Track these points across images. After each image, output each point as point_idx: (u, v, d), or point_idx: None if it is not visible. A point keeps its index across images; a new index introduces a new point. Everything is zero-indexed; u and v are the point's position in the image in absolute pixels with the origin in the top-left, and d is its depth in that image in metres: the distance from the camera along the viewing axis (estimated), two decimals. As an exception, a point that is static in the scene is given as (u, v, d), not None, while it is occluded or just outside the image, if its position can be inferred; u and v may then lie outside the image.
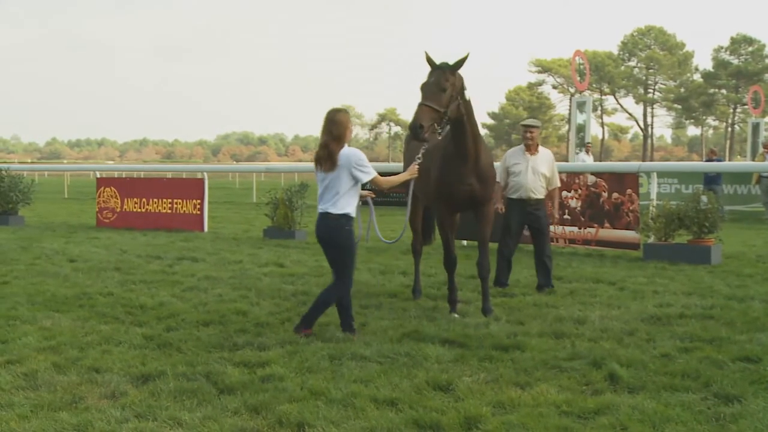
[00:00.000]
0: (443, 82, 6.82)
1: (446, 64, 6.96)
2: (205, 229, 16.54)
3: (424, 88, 6.89)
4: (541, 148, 9.34)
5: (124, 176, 20.45)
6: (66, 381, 5.41)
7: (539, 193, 9.24)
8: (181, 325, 7.19)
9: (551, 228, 10.31)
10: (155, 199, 17.26)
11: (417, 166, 7.13)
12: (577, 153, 22.76)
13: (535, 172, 9.16)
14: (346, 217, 6.58)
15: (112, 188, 17.92)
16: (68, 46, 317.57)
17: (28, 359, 5.95)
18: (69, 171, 39.96)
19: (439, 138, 7.13)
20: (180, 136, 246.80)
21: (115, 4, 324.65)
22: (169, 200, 17.09)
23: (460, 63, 6.99)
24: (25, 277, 9.90)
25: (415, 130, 6.71)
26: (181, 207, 16.90)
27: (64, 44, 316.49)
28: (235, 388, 5.25)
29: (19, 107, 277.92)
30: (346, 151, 6.54)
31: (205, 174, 17.84)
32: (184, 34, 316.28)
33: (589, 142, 21.13)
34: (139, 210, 17.42)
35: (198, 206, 16.71)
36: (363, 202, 7.55)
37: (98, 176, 19.46)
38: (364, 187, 6.99)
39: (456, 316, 7.62)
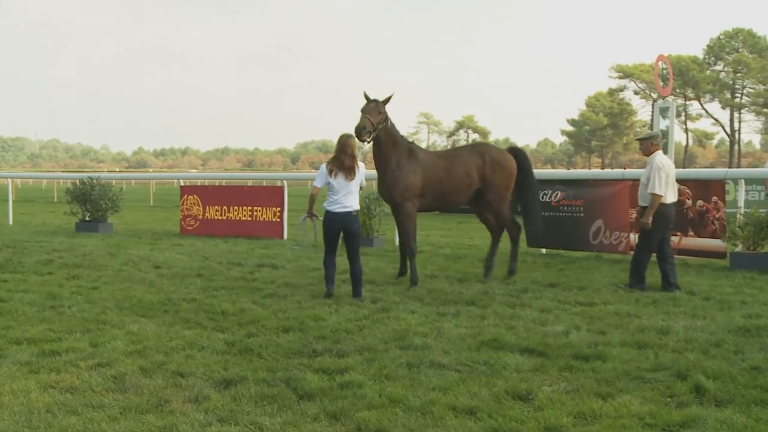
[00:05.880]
0: (380, 107, 9.94)
1: (377, 99, 9.99)
2: (285, 236, 16.78)
3: (366, 108, 9.86)
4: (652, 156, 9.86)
5: (206, 184, 20.92)
6: (152, 384, 5.57)
7: (643, 201, 9.81)
8: (262, 331, 7.32)
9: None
10: (236, 207, 17.59)
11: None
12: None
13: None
14: (357, 212, 9.20)
15: (195, 196, 18.35)
16: (150, 57, 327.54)
17: (116, 362, 6.16)
18: (154, 179, 41.04)
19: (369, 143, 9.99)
20: (260, 145, 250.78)
21: (194, 13, 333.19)
22: (250, 208, 17.40)
23: (388, 99, 10.06)
24: (114, 283, 10.24)
25: (360, 131, 9.60)
26: (261, 214, 17.19)
27: (147, 55, 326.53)
28: (314, 394, 5.31)
29: (108, 118, 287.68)
30: (359, 166, 9.19)
31: (285, 182, 18.11)
32: (263, 41, 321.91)
33: None
34: (220, 217, 17.79)
35: (278, 214, 16.97)
36: (309, 216, 9.68)
37: (182, 184, 19.97)
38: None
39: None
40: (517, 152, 11.07)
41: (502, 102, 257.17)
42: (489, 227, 11.24)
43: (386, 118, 10.06)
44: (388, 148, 10.14)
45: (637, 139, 10.39)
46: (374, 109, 9.87)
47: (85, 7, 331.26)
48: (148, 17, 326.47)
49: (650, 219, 9.53)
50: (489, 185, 10.58)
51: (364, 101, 10.02)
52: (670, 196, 9.69)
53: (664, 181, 9.53)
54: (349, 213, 9.00)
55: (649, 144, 9.87)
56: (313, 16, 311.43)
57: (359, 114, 9.88)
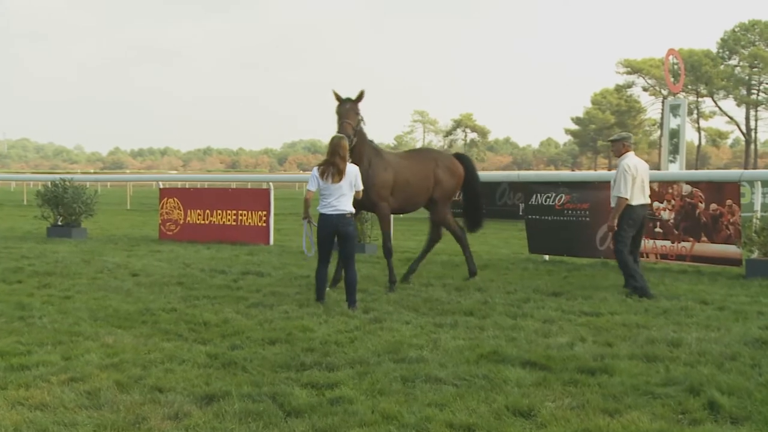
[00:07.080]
0: (356, 108, 10.22)
1: (350, 98, 10.19)
2: (271, 242, 16.76)
3: (342, 110, 10.12)
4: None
5: (187, 186, 20.86)
6: (129, 400, 5.55)
7: (613, 202, 10.29)
8: (246, 343, 7.30)
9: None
10: (219, 211, 17.55)
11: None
12: None
13: None
14: (351, 214, 9.31)
15: (175, 199, 18.31)
16: (128, 55, 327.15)
17: (90, 377, 6.14)
18: (132, 181, 40.97)
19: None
20: (245, 145, 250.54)
21: (176, 11, 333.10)
22: (234, 212, 17.36)
23: (360, 97, 10.23)
24: (88, 292, 10.21)
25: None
26: (246, 219, 17.16)
27: (124, 53, 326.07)
28: (302, 410, 5.30)
29: (82, 116, 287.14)
30: (351, 167, 9.30)
31: (271, 184, 18.08)
32: (248, 41, 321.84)
33: None
34: (202, 222, 17.74)
35: (264, 218, 16.94)
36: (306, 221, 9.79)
37: (161, 187, 19.93)
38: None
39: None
40: (462, 158, 12.27)
41: (502, 99, 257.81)
42: (454, 234, 11.95)
43: (361, 118, 10.39)
44: (361, 147, 10.41)
45: (608, 140, 11.05)
46: (351, 111, 10.19)
47: (54, 4, 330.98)
48: (129, 14, 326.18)
49: (615, 222, 10.02)
50: (438, 186, 11.44)
51: (336, 102, 10.21)
52: (638, 198, 10.08)
53: (630, 183, 9.99)
54: (342, 215, 9.18)
55: (621, 146, 10.43)
56: (302, 12, 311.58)
57: (336, 117, 10.13)
